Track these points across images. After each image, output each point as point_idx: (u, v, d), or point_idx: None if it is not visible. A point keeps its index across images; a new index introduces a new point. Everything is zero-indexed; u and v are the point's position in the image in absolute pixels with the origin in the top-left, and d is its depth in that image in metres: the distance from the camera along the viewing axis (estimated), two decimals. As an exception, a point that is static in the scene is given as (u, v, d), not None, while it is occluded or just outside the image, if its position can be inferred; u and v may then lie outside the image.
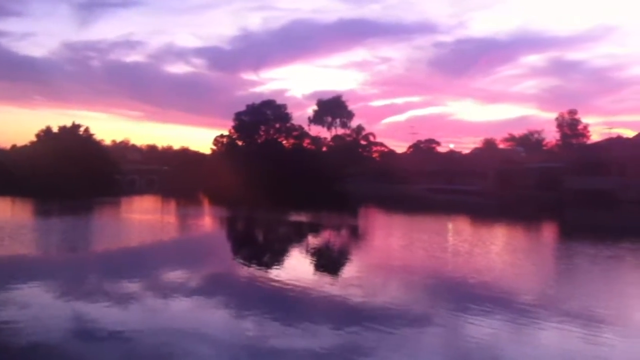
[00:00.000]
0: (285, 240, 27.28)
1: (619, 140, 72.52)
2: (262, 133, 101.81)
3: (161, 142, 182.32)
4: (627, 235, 29.06)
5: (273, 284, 15.13)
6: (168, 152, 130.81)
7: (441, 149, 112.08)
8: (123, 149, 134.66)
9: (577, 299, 13.66)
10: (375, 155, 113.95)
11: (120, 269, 16.98)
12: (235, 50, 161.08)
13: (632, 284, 16.24)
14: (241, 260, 20.71)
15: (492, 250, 22.36)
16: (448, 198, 67.24)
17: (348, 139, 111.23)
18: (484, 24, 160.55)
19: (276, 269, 18.08)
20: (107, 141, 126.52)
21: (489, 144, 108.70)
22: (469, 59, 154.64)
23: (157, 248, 22.49)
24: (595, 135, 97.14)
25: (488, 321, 11.53)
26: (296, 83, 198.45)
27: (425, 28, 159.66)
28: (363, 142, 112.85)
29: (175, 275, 16.18)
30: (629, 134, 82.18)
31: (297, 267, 18.45)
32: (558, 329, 11.10)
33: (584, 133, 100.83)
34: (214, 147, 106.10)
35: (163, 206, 51.19)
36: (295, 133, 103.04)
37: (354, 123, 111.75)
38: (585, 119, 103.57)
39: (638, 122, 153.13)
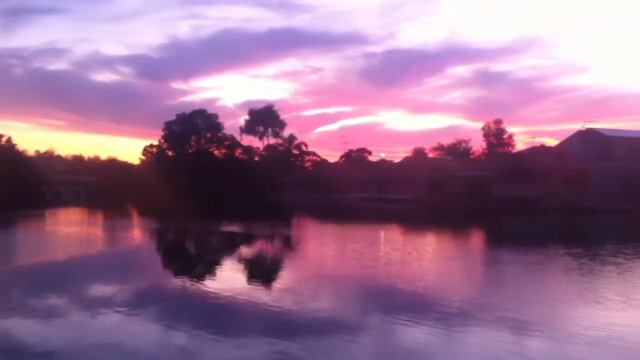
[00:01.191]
0: (217, 251, 26.88)
1: (542, 149, 75.14)
2: (193, 143, 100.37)
3: (88, 153, 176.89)
4: (550, 241, 30.03)
5: (204, 295, 14.83)
6: (95, 163, 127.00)
7: (373, 158, 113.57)
8: (48, 159, 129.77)
9: (503, 304, 13.94)
10: (307, 164, 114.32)
11: (43, 284, 16.28)
12: (164, 58, 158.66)
13: (554, 288, 16.71)
14: (171, 273, 20.24)
15: (422, 258, 22.66)
16: (380, 206, 68.00)
17: (280, 148, 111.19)
18: (412, 35, 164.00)
19: (207, 280, 17.74)
20: (31, 151, 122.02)
21: (419, 153, 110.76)
22: (398, 70, 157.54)
23: (82, 262, 21.73)
24: (520, 144, 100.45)
25: (418, 327, 11.62)
26: (227, 92, 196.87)
27: (355, 39, 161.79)
28: (295, 152, 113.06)
29: (102, 290, 15.64)
30: (552, 142, 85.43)
31: (229, 278, 18.17)
32: (486, 334, 11.28)
33: (509, 142, 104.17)
34: (143, 158, 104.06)
35: (90, 218, 49.67)
36: (226, 143, 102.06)
37: (286, 132, 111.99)
38: (510, 129, 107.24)
39: (559, 132, 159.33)
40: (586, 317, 12.56)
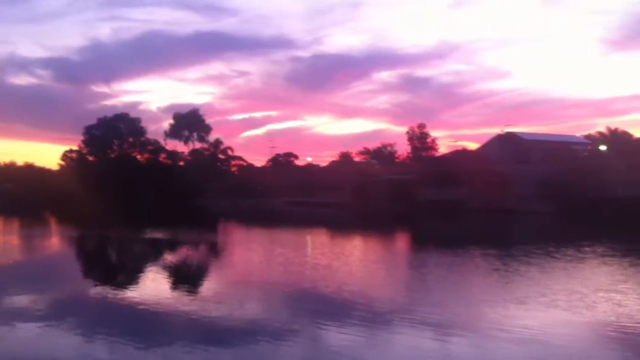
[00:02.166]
0: (140, 258, 26.09)
1: (464, 152, 77.19)
2: (115, 147, 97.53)
3: (3, 158, 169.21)
4: (473, 242, 30.70)
5: (126, 304, 14.32)
6: (11, 169, 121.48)
7: (300, 163, 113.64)
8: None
9: (430, 305, 14.07)
10: (234, 169, 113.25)
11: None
12: (85, 61, 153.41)
13: (477, 289, 17.01)
14: (90, 282, 19.44)
15: (349, 262, 22.70)
16: (307, 211, 68.06)
17: (206, 153, 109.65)
18: (338, 40, 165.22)
19: (129, 288, 17.11)
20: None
21: (345, 157, 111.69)
22: (325, 74, 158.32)
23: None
24: (443, 147, 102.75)
25: (344, 331, 11.61)
26: (151, 96, 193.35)
27: (281, 43, 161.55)
28: (221, 156, 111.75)
29: (16, 301, 14.79)
30: (473, 146, 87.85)
31: (151, 286, 17.59)
32: (412, 334, 11.43)
33: (432, 146, 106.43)
34: (63, 163, 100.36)
35: (5, 226, 47.33)
36: (150, 147, 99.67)
37: (211, 137, 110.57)
38: (433, 133, 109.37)
39: (481, 135, 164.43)
40: (506, 316, 12.79)
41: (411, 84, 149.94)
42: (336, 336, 11.29)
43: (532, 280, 17.38)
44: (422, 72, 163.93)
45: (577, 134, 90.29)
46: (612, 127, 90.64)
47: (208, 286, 18.15)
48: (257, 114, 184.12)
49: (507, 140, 73.80)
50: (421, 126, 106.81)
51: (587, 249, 25.53)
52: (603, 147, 69.69)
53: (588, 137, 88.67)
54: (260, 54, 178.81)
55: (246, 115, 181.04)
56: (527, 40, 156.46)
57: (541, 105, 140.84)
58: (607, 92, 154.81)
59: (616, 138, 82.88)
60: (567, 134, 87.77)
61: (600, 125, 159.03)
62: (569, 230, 38.85)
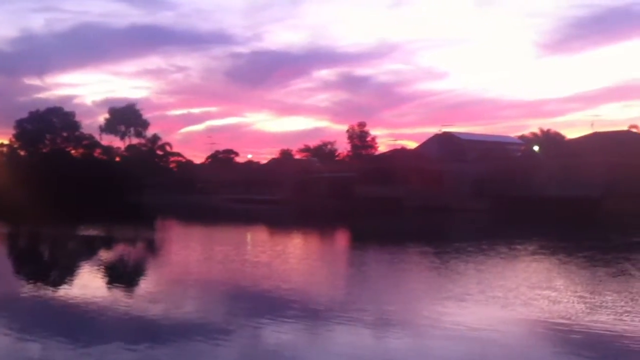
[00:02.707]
0: (74, 256, 25.29)
1: (402, 151, 78.26)
2: (47, 142, 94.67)
3: None
4: (410, 239, 31.11)
5: (57, 303, 13.80)
6: None
7: (240, 159, 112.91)
8: None
9: (368, 301, 14.14)
10: (173, 165, 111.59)
11: None
12: (17, 52, 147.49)
13: (413, 285, 17.21)
14: (20, 280, 18.71)
15: (290, 259, 22.65)
16: (247, 208, 67.67)
17: (143, 149, 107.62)
18: (278, 37, 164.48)
19: (60, 287, 16.54)
20: None
21: (286, 155, 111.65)
22: (265, 71, 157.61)
23: None
24: (383, 146, 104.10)
25: (286, 328, 11.57)
26: (86, 90, 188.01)
27: (221, 38, 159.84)
28: (159, 152, 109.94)
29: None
30: (412, 145, 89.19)
31: (84, 285, 17.05)
32: (349, 332, 11.42)
33: (372, 144, 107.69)
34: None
35: None
36: (85, 142, 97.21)
37: (149, 132, 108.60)
38: (373, 131, 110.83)
39: (419, 134, 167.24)
40: (443, 313, 12.96)
41: (351, 82, 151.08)
42: (273, 334, 11.21)
43: (469, 277, 17.69)
44: (361, 70, 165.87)
45: (512, 135, 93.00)
46: (545, 128, 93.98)
47: (144, 285, 17.73)
48: (196, 110, 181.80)
49: (444, 140, 75.27)
50: (361, 125, 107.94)
51: (520, 246, 26.22)
52: (536, 148, 71.89)
53: (522, 137, 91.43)
54: (199, 49, 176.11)
55: (185, 111, 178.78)
56: (464, 41, 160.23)
57: (477, 105, 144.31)
58: (540, 94, 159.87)
59: (548, 139, 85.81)
60: (502, 134, 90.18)
61: (533, 126, 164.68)
62: (503, 228, 39.86)
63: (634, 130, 75.29)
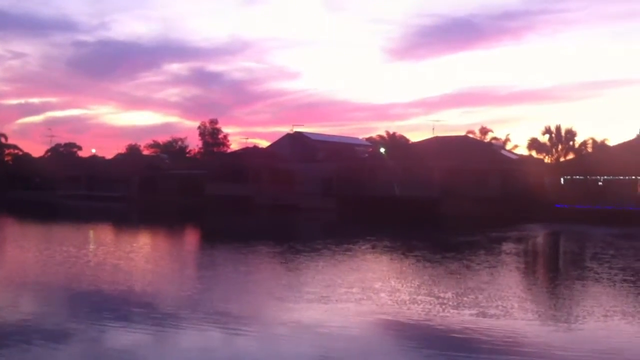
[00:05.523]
0: None
1: (254, 149, 78.36)
2: None
3: None
4: (259, 237, 31.12)
5: None
6: None
7: (83, 154, 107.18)
8: None
9: (218, 301, 13.93)
10: (8, 158, 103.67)
11: None
12: None
13: (261, 284, 17.19)
14: None
15: (133, 258, 21.84)
16: (90, 205, 64.66)
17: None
18: (126, 27, 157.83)
19: None
20: None
21: (133, 150, 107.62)
22: (111, 62, 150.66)
23: None
24: (235, 144, 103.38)
25: (131, 329, 11.26)
26: None
27: (63, 25, 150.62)
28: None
29: None
30: (264, 144, 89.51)
31: None
32: (201, 330, 11.35)
33: (224, 142, 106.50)
34: None
35: None
36: None
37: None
38: (225, 129, 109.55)
39: (271, 133, 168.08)
40: (290, 310, 13.05)
41: (203, 78, 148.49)
42: (116, 336, 10.86)
43: (315, 275, 17.97)
44: (214, 66, 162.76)
45: (360, 136, 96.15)
46: (391, 131, 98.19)
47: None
48: (35, 100, 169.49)
49: (295, 139, 76.33)
50: (213, 122, 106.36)
51: (365, 244, 27.15)
52: (382, 150, 74.91)
53: (369, 139, 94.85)
54: (39, 35, 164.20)
55: (22, 101, 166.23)
56: (316, 43, 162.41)
57: (328, 106, 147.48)
58: (387, 98, 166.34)
59: (394, 141, 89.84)
60: (351, 136, 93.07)
61: (380, 128, 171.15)
62: (346, 227, 41.14)
63: (470, 135, 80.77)
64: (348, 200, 55.69)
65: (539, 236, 35.73)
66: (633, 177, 50.32)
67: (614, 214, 44.79)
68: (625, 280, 17.98)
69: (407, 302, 14.12)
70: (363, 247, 26.14)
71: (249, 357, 9.98)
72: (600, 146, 71.59)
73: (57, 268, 19.13)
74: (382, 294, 15.00)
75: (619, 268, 20.53)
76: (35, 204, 64.23)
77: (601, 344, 10.96)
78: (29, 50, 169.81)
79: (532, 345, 10.74)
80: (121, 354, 9.86)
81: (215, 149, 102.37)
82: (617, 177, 51.00)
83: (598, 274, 19.15)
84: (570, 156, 71.83)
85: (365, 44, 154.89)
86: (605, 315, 13.03)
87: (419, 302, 14.15)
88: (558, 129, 74.33)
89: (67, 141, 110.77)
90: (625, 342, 11.16)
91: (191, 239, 35.52)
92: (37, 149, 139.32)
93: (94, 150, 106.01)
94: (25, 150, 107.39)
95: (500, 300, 14.39)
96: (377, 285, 16.33)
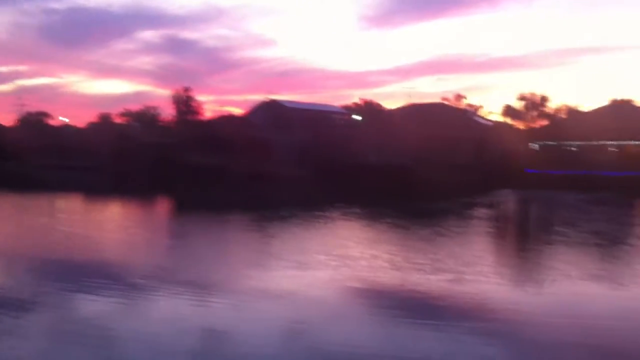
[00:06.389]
0: None
1: (229, 118, 77.63)
2: None
3: None
4: (235, 205, 30.95)
5: None
6: None
7: (54, 123, 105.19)
8: None
9: (189, 270, 13.85)
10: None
11: None
12: None
13: (236, 251, 17.10)
14: None
15: (106, 228, 21.63)
16: (62, 175, 63.60)
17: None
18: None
19: None
20: None
21: (105, 119, 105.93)
22: (82, 29, 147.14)
23: None
24: (209, 112, 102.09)
25: (105, 298, 11.31)
26: None
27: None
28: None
29: None
30: (239, 112, 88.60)
31: None
32: (174, 298, 11.44)
33: (198, 110, 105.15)
34: None
35: None
36: None
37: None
38: (199, 97, 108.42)
39: (245, 102, 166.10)
40: (270, 277, 12.97)
41: (176, 46, 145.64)
42: (89, 305, 10.87)
43: (292, 242, 17.93)
44: (187, 34, 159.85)
45: (336, 104, 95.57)
46: (367, 99, 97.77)
47: None
48: (4, 68, 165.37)
49: (270, 108, 75.66)
50: (186, 90, 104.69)
51: (336, 211, 27.08)
52: (358, 117, 74.64)
53: (345, 107, 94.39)
54: (8, 2, 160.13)
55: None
56: (292, 10, 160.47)
57: (304, 74, 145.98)
58: (362, 65, 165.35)
59: (370, 109, 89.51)
60: (327, 104, 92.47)
61: (356, 96, 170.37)
62: (321, 195, 41.01)
63: (445, 102, 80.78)
64: (323, 168, 55.50)
65: (510, 202, 36.00)
66: (605, 142, 50.83)
67: (586, 179, 45.21)
68: (592, 244, 18.17)
69: (376, 267, 14.09)
70: (334, 214, 26.08)
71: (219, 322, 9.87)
72: (573, 112, 72.06)
73: (32, 239, 18.85)
74: (349, 260, 14.95)
75: (586, 232, 20.76)
76: (5, 174, 63.13)
77: (570, 306, 11.03)
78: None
79: (503, 310, 10.77)
80: (94, 323, 9.73)
81: (189, 118, 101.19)
82: (589, 143, 51.47)
83: (565, 237, 19.33)
84: (545, 123, 72.26)
85: (341, 12, 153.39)
86: (570, 277, 13.13)
87: (386, 267, 14.12)
88: (532, 95, 74.61)
89: (37, 110, 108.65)
90: (592, 303, 11.25)
91: (163, 208, 35.23)
92: (6, 119, 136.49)
93: (65, 120, 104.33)
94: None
95: (468, 266, 14.42)
96: (346, 251, 16.27)
